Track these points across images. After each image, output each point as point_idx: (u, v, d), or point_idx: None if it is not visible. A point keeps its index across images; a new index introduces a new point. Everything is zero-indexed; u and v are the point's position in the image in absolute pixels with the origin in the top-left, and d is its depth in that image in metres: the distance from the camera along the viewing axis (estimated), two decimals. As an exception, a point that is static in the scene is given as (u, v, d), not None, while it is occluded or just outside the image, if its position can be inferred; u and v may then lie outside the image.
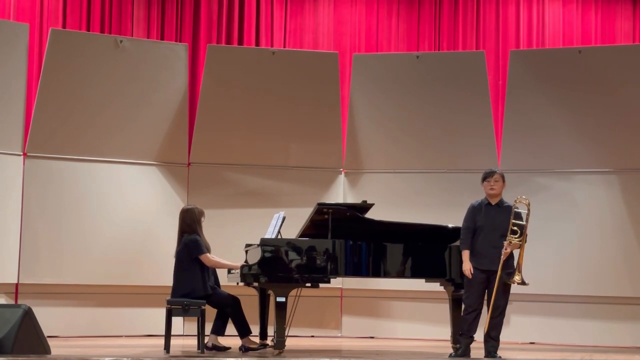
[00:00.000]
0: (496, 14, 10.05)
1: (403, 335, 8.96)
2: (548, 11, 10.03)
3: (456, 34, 10.07)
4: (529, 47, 9.86)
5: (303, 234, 6.99)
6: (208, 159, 9.06)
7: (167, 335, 6.77)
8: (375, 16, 10.15)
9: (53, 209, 8.50)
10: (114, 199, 8.74)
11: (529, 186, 8.52)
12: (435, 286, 7.22)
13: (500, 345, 6.56)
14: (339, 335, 9.10)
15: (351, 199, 9.01)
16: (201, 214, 7.05)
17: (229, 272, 7.14)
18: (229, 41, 9.82)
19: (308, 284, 6.70)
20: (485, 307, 6.54)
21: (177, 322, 8.41)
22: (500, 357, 6.48)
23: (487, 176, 6.60)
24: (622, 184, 8.60)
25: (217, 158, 9.06)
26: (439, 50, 9.99)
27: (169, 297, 6.87)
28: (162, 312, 7.01)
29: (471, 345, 6.57)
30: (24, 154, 8.45)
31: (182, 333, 8.71)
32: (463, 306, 6.63)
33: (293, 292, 6.72)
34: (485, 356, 6.48)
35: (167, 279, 6.98)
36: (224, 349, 7.00)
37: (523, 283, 6.37)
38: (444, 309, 7.33)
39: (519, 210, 6.49)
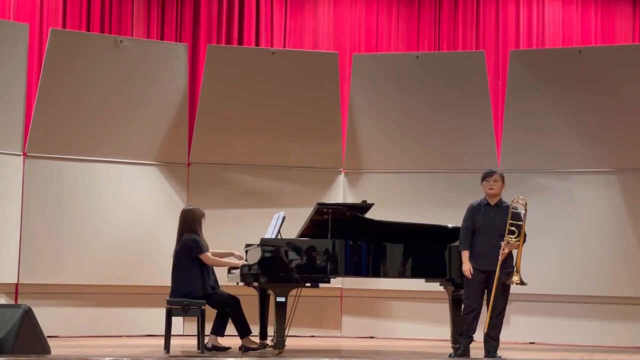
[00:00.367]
0: (496, 14, 10.05)
1: (403, 335, 8.96)
2: (548, 11, 10.04)
3: (456, 34, 10.07)
4: (528, 47, 9.87)
5: (303, 234, 6.99)
6: (208, 159, 9.06)
7: (167, 335, 6.77)
8: (375, 16, 10.15)
9: (53, 209, 8.50)
10: (114, 199, 8.74)
11: (529, 186, 8.53)
12: (435, 286, 7.22)
13: (500, 345, 6.56)
14: (339, 335, 9.10)
15: (351, 199, 9.02)
16: (202, 215, 7.05)
17: (229, 271, 7.14)
18: (228, 41, 9.83)
19: (308, 284, 6.71)
20: (485, 307, 6.54)
21: (177, 322, 8.41)
22: (500, 357, 6.48)
23: (486, 176, 6.61)
24: (622, 184, 8.60)
25: (217, 158, 9.07)
26: (438, 50, 9.99)
27: (168, 297, 6.87)
28: (162, 312, 7.01)
29: (471, 345, 6.58)
30: (24, 154, 8.45)
31: (182, 333, 8.70)
32: (462, 306, 6.63)
33: (293, 292, 6.73)
34: (485, 356, 6.48)
35: (167, 279, 6.98)
36: (224, 349, 7.00)
37: (522, 283, 6.37)
38: (444, 309, 7.34)
39: (517, 211, 6.49)
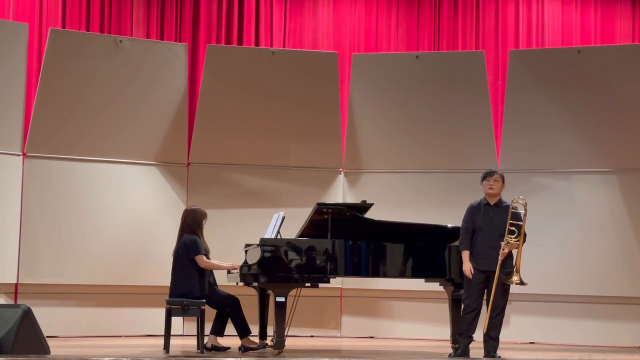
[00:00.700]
0: (495, 14, 10.05)
1: (403, 335, 8.96)
2: (547, 11, 10.04)
3: (455, 34, 10.07)
4: (528, 47, 9.87)
5: (302, 234, 6.99)
6: (207, 158, 9.06)
7: (167, 335, 6.76)
8: (375, 16, 10.15)
9: (52, 209, 8.50)
10: (114, 199, 8.74)
11: (529, 186, 8.53)
12: (435, 286, 7.22)
13: (500, 345, 6.56)
14: (339, 335, 9.10)
15: (351, 199, 9.01)
16: (204, 216, 7.03)
17: (228, 272, 7.13)
18: (228, 41, 9.83)
19: (307, 284, 6.70)
20: (484, 307, 6.54)
21: (177, 322, 8.41)
22: (499, 356, 6.48)
23: (486, 176, 6.60)
24: (622, 184, 8.60)
25: (216, 158, 9.06)
26: (438, 50, 9.99)
27: (168, 297, 6.87)
28: (161, 312, 7.00)
29: (471, 345, 6.58)
30: (24, 154, 8.45)
31: (181, 333, 8.70)
32: (462, 306, 6.63)
33: (293, 292, 6.73)
34: (485, 356, 6.48)
35: (166, 279, 6.97)
36: (224, 349, 6.99)
37: (522, 283, 6.37)
38: (444, 308, 7.34)
39: (517, 211, 6.49)
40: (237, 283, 7.08)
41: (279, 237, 6.91)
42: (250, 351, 6.94)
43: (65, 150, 8.57)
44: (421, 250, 6.88)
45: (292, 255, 6.60)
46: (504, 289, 6.45)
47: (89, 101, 8.64)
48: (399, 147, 9.12)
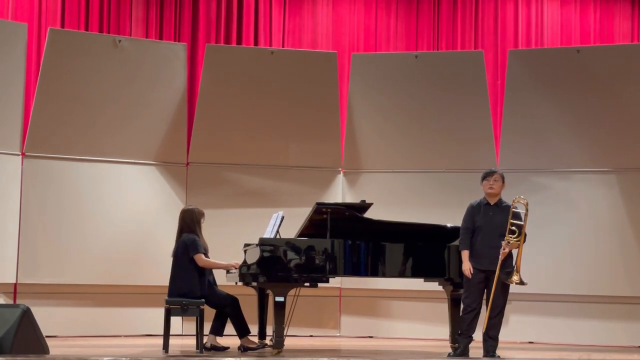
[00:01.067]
0: (495, 14, 10.05)
1: (402, 334, 8.96)
2: (547, 11, 10.04)
3: (455, 34, 10.07)
4: (527, 47, 9.87)
5: (302, 233, 6.98)
6: (207, 158, 9.06)
7: (166, 335, 6.76)
8: (374, 16, 10.15)
9: (51, 209, 8.50)
10: (113, 199, 8.73)
11: (528, 186, 8.53)
12: (434, 286, 7.22)
13: (499, 345, 6.56)
14: (338, 335, 9.10)
15: (350, 199, 9.02)
16: (201, 215, 7.03)
17: (227, 271, 7.13)
18: (227, 41, 9.82)
19: (307, 284, 6.70)
20: (484, 307, 6.54)
21: (176, 321, 8.40)
22: (498, 356, 6.48)
23: (486, 176, 6.61)
24: (620, 184, 8.60)
25: (215, 158, 9.06)
26: (437, 49, 9.99)
27: (167, 297, 6.86)
28: (160, 312, 6.99)
29: (470, 345, 6.58)
30: (23, 154, 8.45)
31: (180, 333, 8.70)
32: (462, 306, 6.63)
33: (292, 292, 6.72)
34: (484, 355, 6.48)
35: (165, 278, 6.97)
36: (223, 349, 6.99)
37: (521, 283, 6.37)
38: (443, 308, 7.34)
39: (517, 210, 6.49)
40: (236, 283, 7.08)
41: (278, 236, 6.91)
42: (249, 351, 6.94)
43: (64, 150, 8.57)
44: (420, 250, 6.88)
45: (291, 255, 6.60)
46: (503, 289, 6.45)
47: (88, 101, 8.64)
48: (398, 146, 9.12)
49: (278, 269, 6.57)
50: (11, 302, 8.20)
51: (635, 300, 8.47)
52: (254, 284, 7.09)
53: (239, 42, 9.85)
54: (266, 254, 6.57)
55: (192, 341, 7.15)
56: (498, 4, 10.04)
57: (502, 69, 9.68)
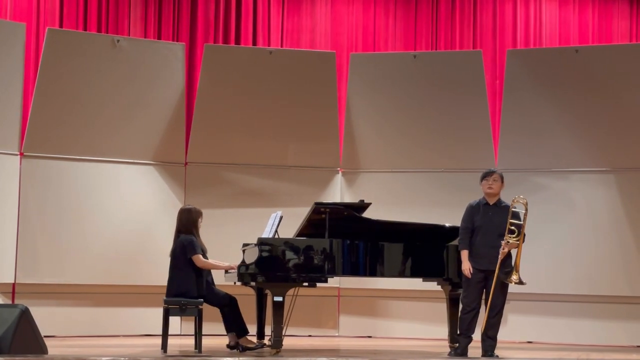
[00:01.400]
0: (493, 13, 10.05)
1: (400, 334, 8.96)
2: (545, 10, 10.05)
3: (453, 33, 10.07)
4: (526, 47, 9.87)
5: (300, 233, 6.98)
6: (205, 158, 9.06)
7: (165, 334, 6.75)
8: (373, 15, 10.15)
9: (50, 209, 8.49)
10: (111, 199, 8.73)
11: (526, 185, 8.53)
12: (433, 285, 7.22)
13: (498, 345, 6.56)
14: (337, 334, 9.10)
15: (348, 199, 9.01)
16: (199, 215, 7.02)
17: (226, 271, 7.13)
18: (226, 40, 9.82)
19: (305, 284, 6.69)
20: (482, 306, 6.54)
21: (175, 321, 8.40)
22: (497, 356, 6.48)
23: (485, 175, 6.61)
24: (619, 183, 8.61)
25: (214, 157, 9.06)
26: (436, 49, 9.99)
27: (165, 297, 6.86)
28: (159, 312, 6.98)
29: (469, 345, 6.58)
30: (21, 154, 8.44)
31: (179, 333, 8.69)
32: (461, 306, 6.63)
33: (290, 292, 6.72)
34: (483, 355, 6.49)
35: (164, 278, 6.96)
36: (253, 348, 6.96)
37: (521, 282, 6.37)
38: (442, 308, 7.34)
39: (517, 210, 6.49)
40: (234, 282, 7.07)
41: (276, 236, 6.90)
42: (248, 351, 6.94)
43: (62, 149, 8.57)
44: (419, 249, 6.88)
45: (289, 254, 6.60)
46: (502, 289, 6.46)
47: (87, 101, 8.64)
48: (397, 146, 9.12)
49: (277, 269, 6.57)
50: (9, 302, 8.19)
51: (634, 300, 8.47)
52: (253, 283, 7.09)
53: (237, 42, 9.84)
54: (265, 254, 6.57)
55: (191, 341, 7.15)
56: (497, 4, 10.04)
57: (500, 68, 9.68)
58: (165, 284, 6.92)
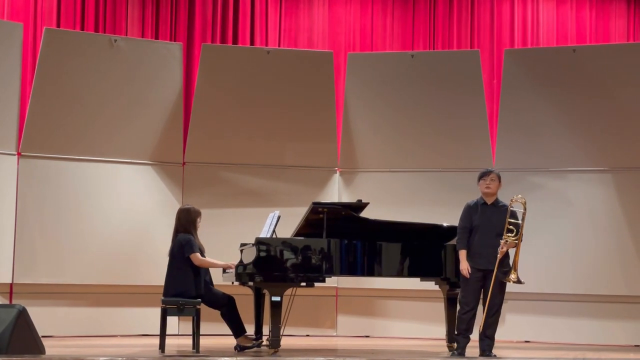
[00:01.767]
0: (491, 13, 10.06)
1: (398, 334, 8.97)
2: (542, 10, 10.05)
3: (451, 33, 10.08)
4: (523, 46, 9.88)
5: (298, 233, 6.98)
6: (203, 158, 9.05)
7: (162, 334, 6.75)
8: (370, 15, 10.15)
9: (47, 209, 8.48)
10: (109, 199, 8.72)
11: (524, 185, 8.54)
12: (431, 285, 7.22)
13: (495, 344, 6.56)
14: (334, 334, 9.10)
15: (346, 198, 9.02)
16: (197, 214, 7.01)
17: (224, 271, 7.12)
18: (223, 40, 9.82)
19: (303, 283, 6.70)
20: (480, 306, 6.54)
21: (172, 321, 8.40)
22: (495, 355, 6.48)
23: (483, 175, 6.62)
24: (617, 183, 8.61)
25: (212, 157, 9.06)
26: (433, 49, 9.99)
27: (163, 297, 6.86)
28: (157, 312, 6.99)
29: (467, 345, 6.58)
30: (18, 154, 8.44)
31: (177, 332, 8.69)
32: (459, 305, 6.63)
33: (288, 292, 6.72)
34: (481, 355, 6.49)
35: (162, 278, 6.95)
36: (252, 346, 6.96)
37: (519, 282, 6.38)
38: (439, 307, 7.34)
39: (515, 209, 6.50)
40: (232, 282, 7.08)
41: (274, 236, 6.90)
42: (245, 350, 6.94)
43: (60, 149, 8.56)
44: (417, 249, 6.88)
45: (287, 254, 6.60)
46: (500, 288, 6.46)
47: (84, 101, 8.63)
48: (395, 146, 9.12)
49: (274, 269, 6.57)
50: (7, 302, 8.18)
51: (631, 299, 8.48)
52: (251, 283, 7.08)
53: (235, 41, 9.84)
54: (262, 254, 6.57)
55: (189, 341, 7.15)
56: (494, 4, 10.05)
57: (498, 68, 9.69)
58: (163, 283, 6.91)
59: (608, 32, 10.03)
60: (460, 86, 8.95)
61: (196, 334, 6.76)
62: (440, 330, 7.49)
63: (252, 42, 9.86)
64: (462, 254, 6.54)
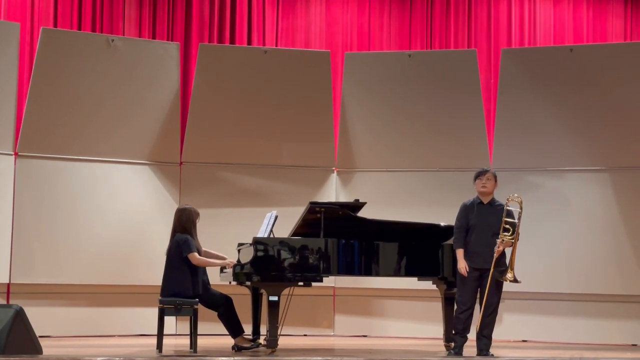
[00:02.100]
0: (488, 13, 10.07)
1: (396, 333, 8.96)
2: (539, 9, 10.06)
3: (448, 33, 10.08)
4: (520, 46, 9.89)
5: (295, 233, 6.99)
6: (200, 158, 9.05)
7: (160, 334, 6.75)
8: (367, 15, 10.15)
9: (45, 209, 8.48)
10: (106, 199, 8.72)
11: (521, 184, 8.54)
12: (428, 284, 7.23)
13: (493, 343, 6.57)
14: (332, 334, 9.10)
15: (343, 198, 9.01)
16: (196, 214, 7.00)
17: (221, 271, 7.12)
18: (220, 40, 9.82)
19: (301, 283, 6.70)
20: (477, 305, 6.55)
21: (170, 321, 8.39)
22: (492, 355, 6.49)
23: (479, 175, 6.63)
24: (614, 182, 8.62)
25: (209, 157, 9.05)
26: (430, 48, 10.00)
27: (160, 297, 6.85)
28: (154, 312, 6.99)
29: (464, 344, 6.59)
30: (15, 154, 8.43)
31: (174, 332, 8.69)
32: (456, 305, 6.64)
33: (285, 291, 6.72)
34: (478, 354, 6.50)
35: (159, 278, 6.95)
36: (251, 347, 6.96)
37: (515, 281, 6.39)
38: (437, 307, 7.35)
39: (511, 209, 6.51)
40: (230, 282, 7.07)
41: (272, 236, 6.90)
42: (243, 350, 6.94)
43: (57, 149, 8.55)
44: (414, 248, 6.89)
45: (285, 254, 6.60)
46: (497, 287, 6.47)
47: (81, 100, 8.62)
48: (392, 146, 9.12)
49: (272, 269, 6.57)
50: (4, 302, 8.17)
51: (628, 298, 8.49)
52: (248, 283, 7.08)
53: (232, 41, 9.84)
54: (260, 254, 6.57)
55: (186, 341, 7.15)
56: (491, 3, 10.06)
57: (495, 67, 9.69)
58: (160, 283, 6.91)
59: (605, 32, 10.04)
60: (458, 86, 8.95)
61: (194, 334, 6.76)
62: (437, 329, 7.49)
63: (249, 42, 9.86)
64: (460, 253, 6.55)
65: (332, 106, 9.17)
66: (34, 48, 8.79)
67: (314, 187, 9.11)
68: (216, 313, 7.02)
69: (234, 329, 6.98)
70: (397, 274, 6.89)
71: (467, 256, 6.52)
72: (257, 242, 6.61)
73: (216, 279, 7.29)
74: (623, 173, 8.61)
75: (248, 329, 7.30)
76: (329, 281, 8.52)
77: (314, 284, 6.75)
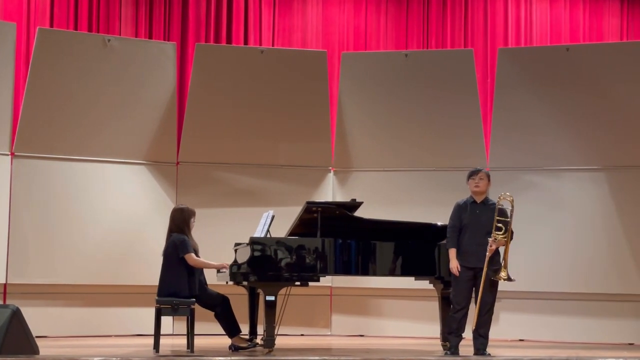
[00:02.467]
0: (484, 12, 10.07)
1: (393, 333, 8.97)
2: (536, 9, 10.07)
3: (444, 32, 10.09)
4: (517, 45, 9.89)
5: (292, 232, 6.98)
6: (197, 158, 9.05)
7: (157, 334, 6.74)
8: (364, 15, 10.16)
9: (41, 209, 8.47)
10: (103, 199, 8.71)
11: (518, 184, 8.55)
12: (425, 284, 7.23)
13: (489, 342, 6.57)
14: (329, 333, 9.10)
15: (340, 198, 9.02)
16: (192, 214, 7.00)
17: (218, 271, 7.12)
18: (217, 40, 9.82)
19: (297, 283, 6.70)
20: (473, 304, 6.55)
21: (167, 321, 8.38)
22: (489, 354, 6.49)
23: (472, 174, 6.64)
24: (610, 181, 8.63)
25: (206, 157, 9.05)
26: (427, 48, 10.00)
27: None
28: (151, 312, 6.98)
29: (460, 343, 6.58)
30: (12, 154, 8.42)
31: (171, 332, 8.69)
32: (451, 304, 6.63)
33: (282, 291, 6.72)
34: (475, 353, 6.50)
35: (156, 278, 6.95)
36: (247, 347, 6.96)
37: (509, 279, 6.39)
38: (434, 306, 7.35)
39: (504, 207, 6.51)
40: (226, 282, 7.07)
41: (268, 236, 6.90)
42: (240, 350, 6.94)
43: (54, 149, 8.55)
44: (411, 248, 6.89)
45: (281, 254, 6.60)
46: (492, 286, 6.47)
47: (78, 100, 8.62)
48: (388, 145, 9.12)
49: (269, 268, 6.57)
50: (1, 302, 8.17)
51: (625, 297, 8.50)
52: (245, 283, 7.08)
53: (228, 41, 9.84)
54: (257, 253, 6.57)
55: (183, 341, 7.14)
56: (487, 3, 10.06)
57: (491, 67, 9.70)
58: (157, 283, 6.91)
59: (601, 31, 10.05)
60: (454, 85, 8.96)
61: (190, 334, 6.75)
62: (434, 329, 7.50)
63: (245, 42, 9.86)
64: (452, 252, 6.56)
65: (329, 106, 9.18)
66: (30, 48, 8.79)
67: (310, 187, 9.12)
68: (213, 313, 7.02)
69: (231, 328, 6.98)
70: (393, 273, 6.89)
71: (460, 255, 6.52)
72: (253, 242, 6.61)
73: (213, 278, 7.28)
74: (619, 172, 8.63)
75: (245, 329, 7.31)
76: (326, 281, 8.51)
77: (311, 283, 6.75)
